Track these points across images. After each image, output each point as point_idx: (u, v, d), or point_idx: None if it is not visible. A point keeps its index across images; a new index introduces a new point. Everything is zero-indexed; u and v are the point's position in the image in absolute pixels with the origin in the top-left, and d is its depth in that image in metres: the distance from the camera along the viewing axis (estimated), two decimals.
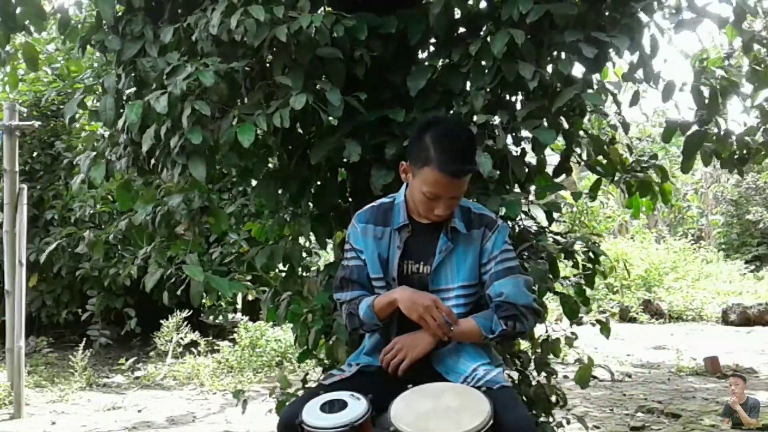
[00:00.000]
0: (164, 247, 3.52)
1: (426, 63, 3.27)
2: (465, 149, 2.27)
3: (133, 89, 3.21)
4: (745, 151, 3.67)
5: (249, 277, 3.72)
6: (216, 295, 3.35)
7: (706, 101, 3.48)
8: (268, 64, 2.92)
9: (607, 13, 3.09)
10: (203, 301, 3.60)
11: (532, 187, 3.48)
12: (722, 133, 3.60)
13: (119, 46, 3.14)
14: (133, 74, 3.15)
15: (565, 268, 3.68)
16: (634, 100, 3.50)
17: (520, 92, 3.13)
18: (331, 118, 3.05)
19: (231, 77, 2.85)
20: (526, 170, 3.28)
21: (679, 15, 3.25)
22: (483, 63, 2.95)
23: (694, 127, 3.57)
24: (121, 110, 3.11)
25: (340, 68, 2.90)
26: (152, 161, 3.10)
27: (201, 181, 2.99)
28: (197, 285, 3.26)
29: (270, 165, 3.55)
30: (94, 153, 3.57)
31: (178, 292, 3.52)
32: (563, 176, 3.54)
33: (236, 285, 3.53)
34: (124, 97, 3.20)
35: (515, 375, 3.52)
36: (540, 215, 3.37)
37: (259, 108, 2.84)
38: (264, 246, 3.53)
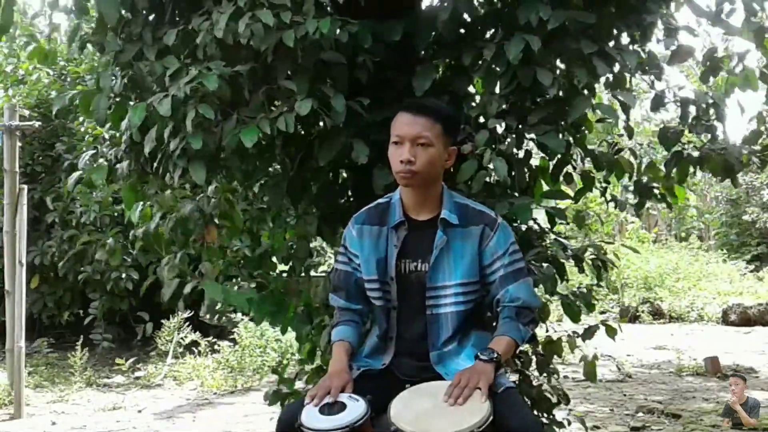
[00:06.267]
0: (186, 255, 3.52)
1: (431, 63, 3.26)
2: (426, 101, 2.52)
3: (129, 91, 3.17)
4: (738, 159, 3.41)
5: (253, 285, 3.72)
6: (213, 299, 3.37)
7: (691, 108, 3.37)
8: (271, 68, 2.91)
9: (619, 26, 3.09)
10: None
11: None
12: (708, 143, 3.43)
13: (119, 47, 3.12)
14: (128, 77, 3.12)
15: (567, 268, 3.67)
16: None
17: (532, 99, 3.07)
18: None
19: (234, 81, 2.84)
20: (527, 174, 3.27)
21: (674, 38, 3.25)
22: (496, 68, 2.92)
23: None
24: (110, 110, 3.09)
25: (344, 73, 2.90)
26: (155, 164, 3.09)
27: (201, 184, 2.99)
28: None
29: (271, 169, 3.54)
30: (94, 151, 3.58)
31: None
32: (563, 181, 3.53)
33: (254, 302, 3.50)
34: (117, 98, 3.16)
35: (516, 376, 3.52)
36: (543, 218, 3.37)
37: (262, 111, 2.83)
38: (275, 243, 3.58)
